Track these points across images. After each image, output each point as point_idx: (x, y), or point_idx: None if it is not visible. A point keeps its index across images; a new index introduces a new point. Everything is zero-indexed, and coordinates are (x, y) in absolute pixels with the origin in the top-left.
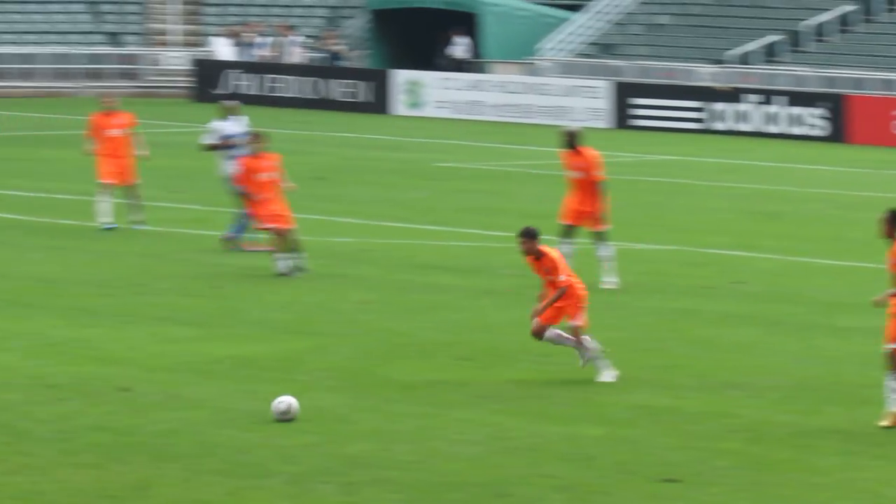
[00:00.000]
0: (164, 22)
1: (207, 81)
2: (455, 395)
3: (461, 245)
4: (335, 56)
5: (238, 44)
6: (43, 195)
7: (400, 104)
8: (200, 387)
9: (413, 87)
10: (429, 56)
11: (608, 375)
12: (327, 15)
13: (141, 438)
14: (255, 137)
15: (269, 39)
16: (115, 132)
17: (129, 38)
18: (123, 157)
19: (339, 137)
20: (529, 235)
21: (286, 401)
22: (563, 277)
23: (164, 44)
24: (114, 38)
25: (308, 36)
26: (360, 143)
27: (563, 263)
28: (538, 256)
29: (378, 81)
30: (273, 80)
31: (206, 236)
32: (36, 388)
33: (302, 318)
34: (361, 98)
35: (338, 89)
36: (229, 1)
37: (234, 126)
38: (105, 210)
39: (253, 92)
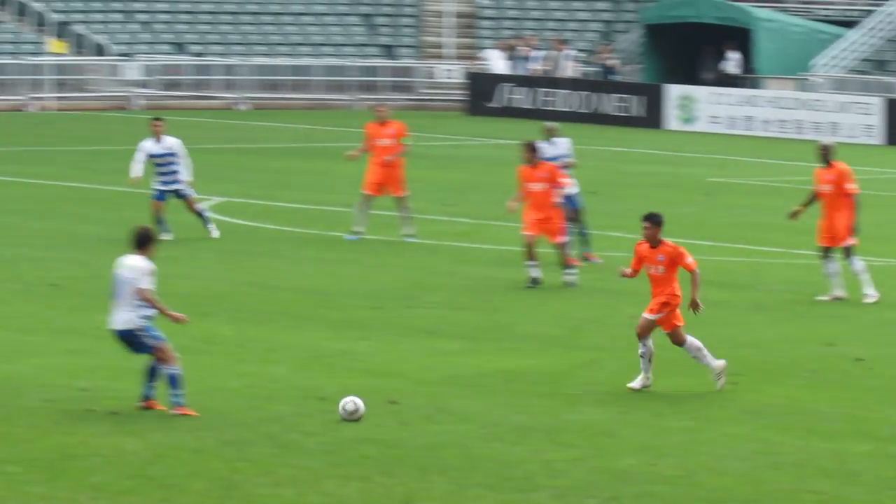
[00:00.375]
0: (438, 35)
1: (481, 94)
2: (722, 410)
3: (733, 260)
4: (608, 70)
5: (511, 57)
6: (314, 207)
7: (673, 119)
8: (468, 400)
9: (686, 102)
10: (701, 71)
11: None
12: (601, 29)
13: (407, 451)
14: (528, 148)
15: (543, 53)
16: (386, 141)
17: (404, 51)
18: (393, 167)
19: (612, 152)
20: (655, 221)
21: (354, 401)
22: (690, 259)
23: (438, 57)
24: (388, 50)
25: (581, 50)
26: (632, 158)
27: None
28: (656, 244)
29: (651, 96)
30: (546, 94)
31: (476, 249)
32: (305, 400)
33: (572, 333)
34: (634, 112)
35: (611, 103)
36: (504, 15)
37: (553, 149)
38: (358, 219)
39: (526, 105)
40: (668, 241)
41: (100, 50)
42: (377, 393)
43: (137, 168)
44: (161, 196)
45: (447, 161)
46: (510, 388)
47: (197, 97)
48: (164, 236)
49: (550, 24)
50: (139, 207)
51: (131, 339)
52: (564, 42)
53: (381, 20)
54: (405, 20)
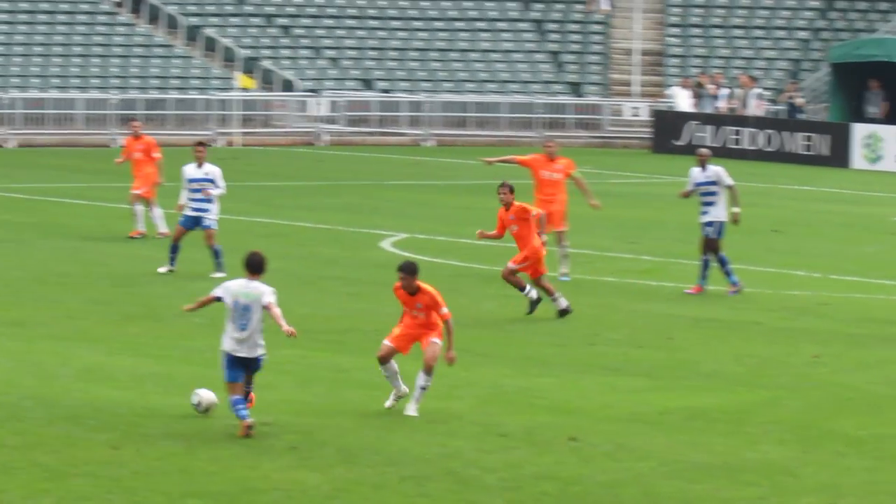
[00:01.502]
0: (625, 72)
1: (667, 132)
2: None
3: None
4: (795, 109)
5: (697, 95)
6: (498, 244)
7: (859, 157)
8: (649, 437)
9: (872, 141)
10: (867, 106)
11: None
12: (788, 68)
13: (587, 488)
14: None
15: (728, 91)
16: (554, 176)
17: (590, 88)
18: (556, 202)
19: (797, 190)
20: (408, 271)
21: (197, 393)
22: (445, 310)
23: (625, 94)
24: (575, 87)
25: (768, 89)
26: (817, 197)
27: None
28: (414, 292)
29: (837, 135)
30: (732, 132)
31: (659, 287)
32: (486, 436)
33: (754, 371)
34: (820, 151)
35: (796, 142)
36: (691, 52)
37: (702, 175)
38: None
39: (712, 144)
40: (426, 287)
41: (287, 86)
42: (558, 430)
43: (184, 196)
44: (186, 222)
45: (631, 199)
46: (691, 425)
47: (383, 133)
48: (164, 267)
49: (737, 63)
50: (325, 243)
51: (257, 365)
52: (753, 79)
53: (567, 57)
54: (592, 58)
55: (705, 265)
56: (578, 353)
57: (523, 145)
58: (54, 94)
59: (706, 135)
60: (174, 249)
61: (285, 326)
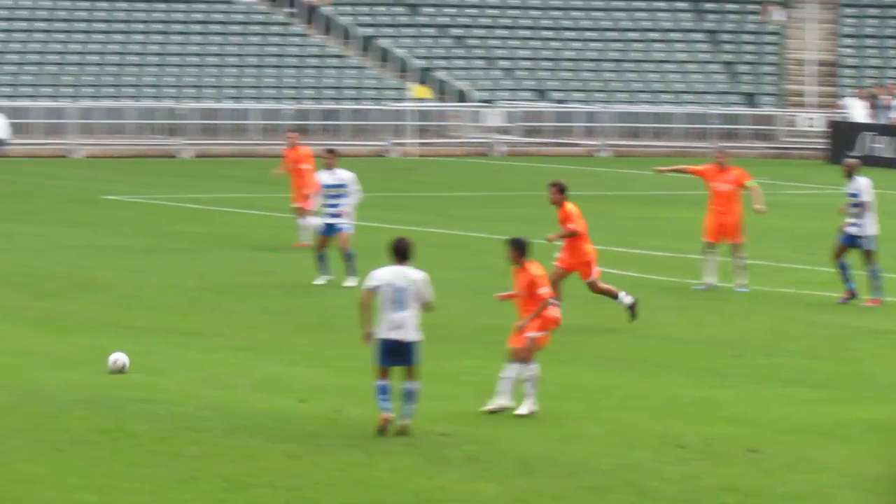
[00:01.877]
0: (800, 83)
1: (842, 143)
2: None
3: None
4: None
5: (873, 106)
6: (675, 255)
7: None
8: (828, 449)
9: None
10: None
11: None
12: None
13: (767, 500)
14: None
15: None
16: (723, 187)
17: (765, 99)
18: (729, 213)
19: None
20: (512, 244)
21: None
22: (542, 290)
23: (800, 105)
24: (749, 98)
25: None
26: None
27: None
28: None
29: None
30: None
31: (834, 298)
32: (665, 447)
33: None
34: None
35: None
36: (866, 63)
37: (851, 185)
38: (708, 269)
39: (888, 154)
40: (529, 267)
41: (462, 96)
42: (736, 441)
43: (316, 201)
44: (327, 231)
45: (807, 209)
46: (870, 437)
47: (557, 144)
48: (321, 279)
49: None
50: (500, 253)
51: (412, 351)
52: None
53: (742, 68)
54: (766, 68)
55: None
56: (755, 364)
57: (697, 156)
58: (229, 104)
59: (882, 145)
60: (321, 258)
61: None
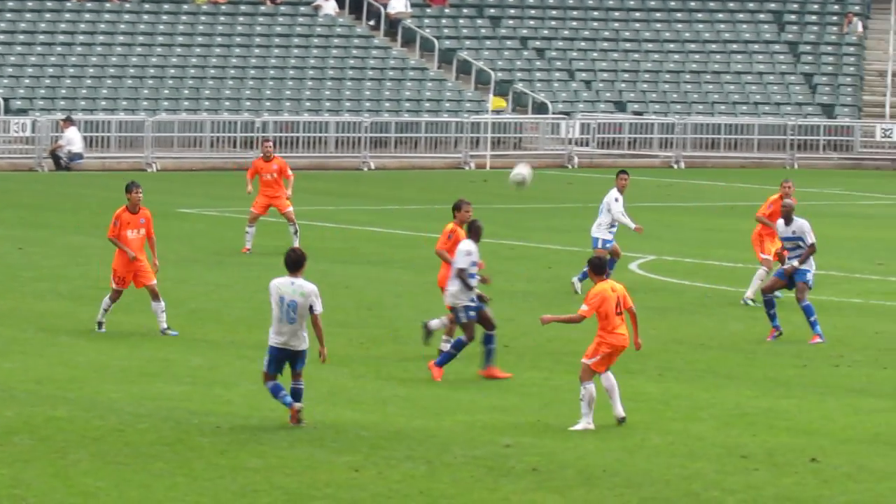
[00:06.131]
0: (879, 94)
1: None
2: None
3: None
4: None
5: None
6: (747, 266)
7: None
8: (891, 459)
9: None
10: None
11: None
12: None
13: None
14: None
15: None
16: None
17: (843, 110)
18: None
19: None
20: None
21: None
22: (583, 307)
23: (878, 116)
24: (827, 109)
25: None
26: None
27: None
28: None
29: None
30: None
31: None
32: (727, 457)
33: None
34: None
35: None
36: None
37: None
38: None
39: None
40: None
41: (540, 108)
42: (800, 451)
43: (627, 220)
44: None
45: (881, 220)
46: None
47: (634, 155)
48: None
49: None
50: (572, 265)
51: (301, 359)
52: None
53: (821, 79)
54: (845, 79)
55: None
56: (822, 374)
57: (774, 167)
58: (306, 117)
59: None
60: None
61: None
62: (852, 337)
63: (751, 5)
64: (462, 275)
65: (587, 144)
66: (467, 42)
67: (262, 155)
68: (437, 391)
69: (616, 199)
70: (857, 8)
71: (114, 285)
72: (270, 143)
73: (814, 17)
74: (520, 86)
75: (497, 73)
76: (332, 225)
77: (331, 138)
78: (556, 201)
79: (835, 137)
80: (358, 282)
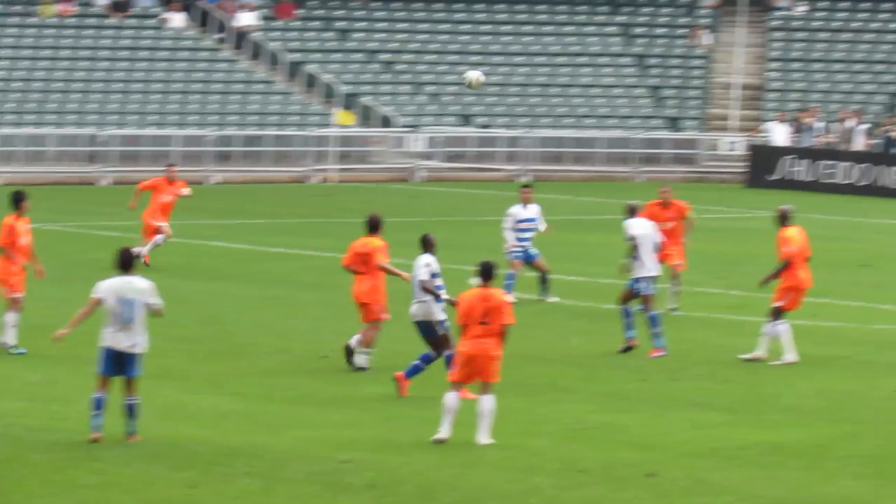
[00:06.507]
0: (724, 107)
1: (762, 167)
2: None
3: None
4: (892, 142)
5: (797, 129)
6: (589, 279)
7: None
8: (727, 472)
9: None
10: None
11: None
12: (887, 101)
13: None
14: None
15: (824, 125)
16: (668, 225)
17: (688, 123)
18: (675, 241)
19: (889, 225)
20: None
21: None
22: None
23: (723, 129)
24: (673, 122)
25: (866, 122)
26: None
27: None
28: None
29: None
30: (827, 167)
31: (746, 322)
32: (565, 472)
33: (834, 406)
34: None
35: (891, 176)
36: (790, 87)
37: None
38: (670, 297)
39: (806, 178)
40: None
41: (386, 122)
42: (637, 466)
43: (511, 236)
44: (522, 256)
45: (724, 234)
46: (770, 460)
47: (480, 169)
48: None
49: (836, 97)
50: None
51: (135, 362)
52: (860, 113)
53: (668, 92)
54: (692, 92)
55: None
56: (662, 388)
57: (619, 180)
58: (151, 131)
59: (801, 169)
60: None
61: None
62: (693, 351)
63: (599, 18)
64: (428, 286)
65: (433, 158)
66: (314, 55)
67: (166, 176)
68: (276, 407)
69: (508, 215)
70: (705, 21)
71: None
72: (176, 167)
73: (662, 30)
74: (366, 99)
75: (344, 86)
76: (175, 239)
77: (175, 152)
78: (402, 215)
79: (680, 151)
80: (198, 297)
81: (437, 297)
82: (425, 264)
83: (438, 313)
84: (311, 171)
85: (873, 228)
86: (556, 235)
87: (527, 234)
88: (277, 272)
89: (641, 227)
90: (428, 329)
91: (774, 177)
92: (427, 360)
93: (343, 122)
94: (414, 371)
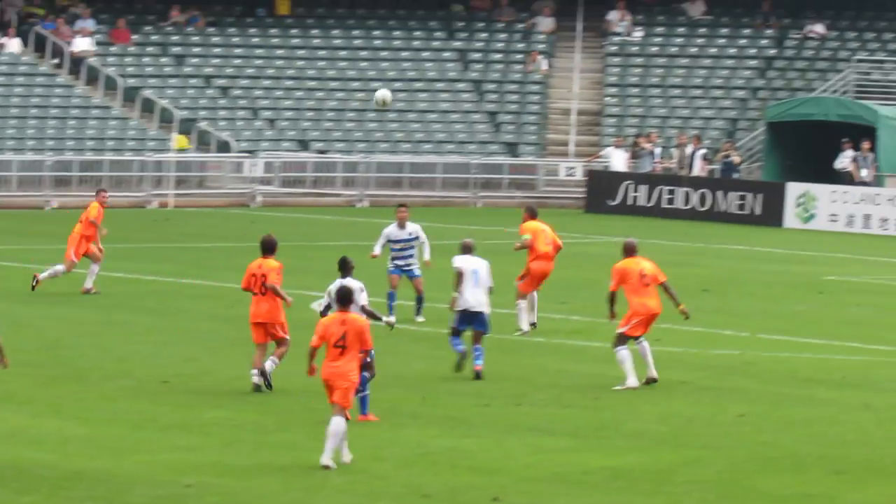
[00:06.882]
0: (562, 132)
1: (601, 192)
2: None
3: (845, 359)
4: (731, 167)
5: (636, 155)
6: (427, 304)
7: (792, 217)
8: (571, 497)
9: (805, 200)
10: (823, 168)
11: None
12: (725, 127)
13: None
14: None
15: (660, 150)
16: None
17: (527, 149)
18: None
19: (729, 250)
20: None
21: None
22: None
23: (562, 154)
24: (511, 148)
25: (706, 148)
26: (749, 256)
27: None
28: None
29: (771, 194)
30: (667, 192)
31: (588, 347)
32: (408, 497)
33: (678, 430)
34: (754, 210)
35: (730, 201)
36: (628, 112)
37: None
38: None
39: (646, 203)
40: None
41: (224, 147)
42: (481, 490)
43: (378, 248)
44: (400, 273)
45: (563, 259)
46: (614, 485)
47: (318, 194)
48: (390, 317)
49: (673, 122)
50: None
51: None
52: (698, 139)
53: (505, 118)
54: (529, 118)
55: None
56: (504, 413)
57: (458, 206)
58: None
59: (641, 194)
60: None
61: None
62: (535, 376)
63: (435, 44)
64: (367, 310)
65: (271, 183)
66: (151, 80)
67: (101, 202)
68: (119, 431)
69: (382, 234)
70: (541, 46)
71: None
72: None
73: (498, 56)
74: (203, 124)
75: (181, 111)
76: (14, 264)
77: (13, 177)
78: (240, 240)
79: (518, 176)
80: (39, 321)
81: (378, 319)
82: (360, 288)
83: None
84: (150, 195)
85: (713, 254)
86: (388, 260)
87: (405, 254)
88: (118, 297)
89: (465, 262)
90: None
91: (614, 202)
92: (365, 384)
93: (180, 147)
94: (364, 402)
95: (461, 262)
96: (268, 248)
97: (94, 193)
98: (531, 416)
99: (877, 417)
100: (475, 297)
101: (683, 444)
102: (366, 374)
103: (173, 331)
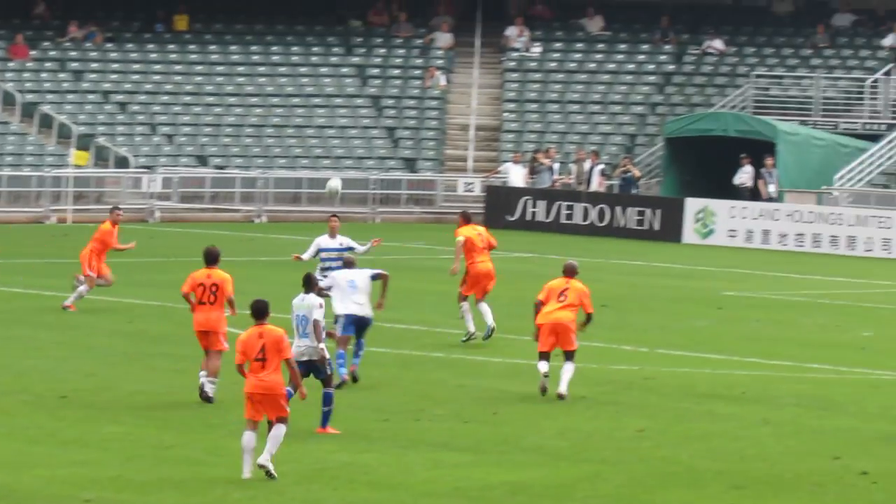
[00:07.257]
0: (461, 148)
1: (500, 208)
2: None
3: (744, 374)
4: (630, 181)
5: (534, 171)
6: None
7: (691, 232)
8: None
9: (704, 216)
10: (722, 184)
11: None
12: (623, 143)
13: None
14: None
15: (559, 166)
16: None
17: (425, 164)
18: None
19: (628, 265)
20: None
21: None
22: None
23: (461, 170)
24: (410, 163)
25: (605, 164)
26: (648, 272)
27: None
28: None
29: (669, 209)
30: (565, 208)
31: (487, 362)
32: None
33: (577, 445)
34: (652, 226)
35: (629, 217)
36: (527, 128)
37: None
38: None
39: (545, 219)
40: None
41: (122, 162)
42: None
43: (308, 255)
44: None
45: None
46: (514, 500)
47: (216, 209)
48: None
49: (573, 138)
50: (154, 320)
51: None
52: (597, 155)
53: (403, 133)
54: (428, 133)
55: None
56: (403, 428)
57: (357, 221)
58: None
59: (539, 210)
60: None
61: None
62: (434, 391)
63: (334, 59)
64: (318, 329)
65: (170, 199)
66: (49, 96)
67: (115, 221)
68: (17, 446)
69: (313, 244)
70: (439, 62)
71: None
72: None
73: (397, 71)
74: (102, 140)
75: (79, 126)
76: None
77: None
78: (138, 256)
79: (417, 192)
80: None
81: (320, 341)
82: (319, 305)
83: (326, 351)
84: (48, 211)
85: (612, 269)
86: (290, 275)
87: (335, 264)
88: (16, 312)
89: (342, 275)
90: (317, 368)
91: (513, 218)
92: (329, 399)
93: (78, 162)
94: (327, 417)
95: (338, 276)
96: (212, 258)
97: (2, 210)
98: (431, 430)
99: (776, 432)
100: (356, 301)
101: (583, 458)
102: (329, 391)
103: (72, 346)
